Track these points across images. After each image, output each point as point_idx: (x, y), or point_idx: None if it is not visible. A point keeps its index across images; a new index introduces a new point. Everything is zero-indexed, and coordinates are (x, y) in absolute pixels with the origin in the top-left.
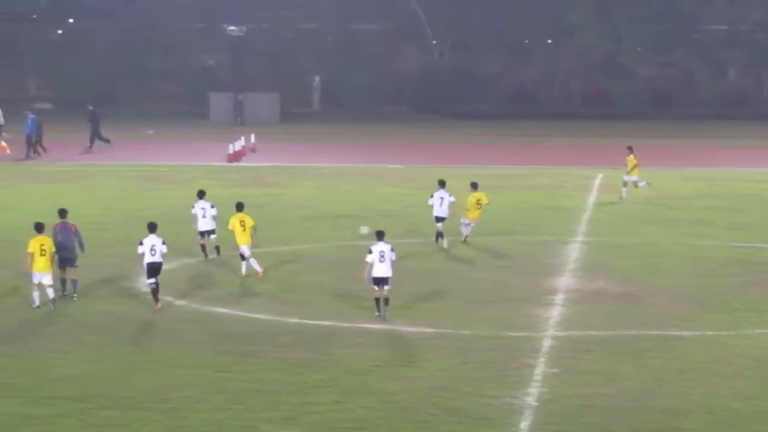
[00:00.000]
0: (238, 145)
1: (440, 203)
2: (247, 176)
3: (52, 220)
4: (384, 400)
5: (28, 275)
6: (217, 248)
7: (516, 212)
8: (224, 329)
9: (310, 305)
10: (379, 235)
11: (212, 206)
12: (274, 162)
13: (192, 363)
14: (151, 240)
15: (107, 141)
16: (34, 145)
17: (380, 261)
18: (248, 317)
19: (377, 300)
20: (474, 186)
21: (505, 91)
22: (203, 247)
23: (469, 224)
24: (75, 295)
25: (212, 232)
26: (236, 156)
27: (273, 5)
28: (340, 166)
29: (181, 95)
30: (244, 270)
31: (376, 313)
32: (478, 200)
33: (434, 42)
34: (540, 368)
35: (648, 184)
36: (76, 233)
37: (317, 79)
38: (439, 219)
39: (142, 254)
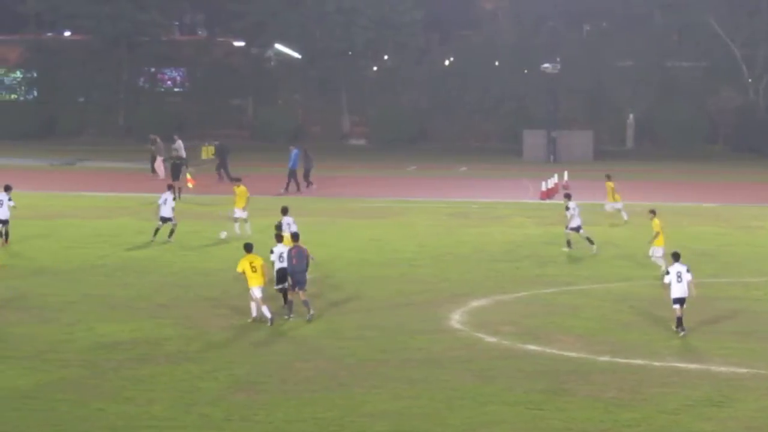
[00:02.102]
0: (551, 182)
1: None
2: (560, 214)
3: (368, 255)
4: None
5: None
6: None
7: None
8: (536, 367)
9: (621, 343)
10: (676, 257)
11: None
12: (585, 200)
13: (504, 400)
14: (280, 249)
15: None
16: (296, 178)
17: (677, 282)
18: (559, 355)
19: (679, 319)
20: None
21: None
22: None
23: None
24: (312, 312)
25: None
26: (549, 194)
27: (588, 43)
28: (654, 204)
29: (495, 132)
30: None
31: (679, 332)
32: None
33: (750, 80)
34: None
35: None
36: (307, 257)
37: (631, 116)
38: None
39: (273, 261)
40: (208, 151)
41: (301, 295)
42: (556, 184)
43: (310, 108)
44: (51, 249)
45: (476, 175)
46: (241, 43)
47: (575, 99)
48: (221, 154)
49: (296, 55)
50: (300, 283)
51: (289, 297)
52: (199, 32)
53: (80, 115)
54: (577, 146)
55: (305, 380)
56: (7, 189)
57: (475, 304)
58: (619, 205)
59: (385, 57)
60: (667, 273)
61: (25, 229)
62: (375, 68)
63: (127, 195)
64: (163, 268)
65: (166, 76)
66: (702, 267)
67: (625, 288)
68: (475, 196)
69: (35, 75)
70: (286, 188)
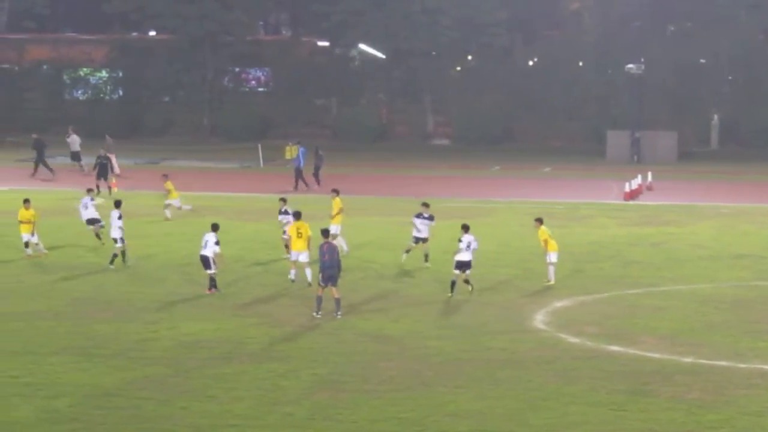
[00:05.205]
0: (635, 183)
1: None
2: (644, 215)
3: (450, 255)
4: None
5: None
6: None
7: None
8: (619, 368)
9: (705, 345)
10: (465, 228)
11: None
12: (671, 201)
13: (587, 401)
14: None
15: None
16: (303, 177)
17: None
18: (643, 356)
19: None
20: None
21: None
22: None
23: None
24: (339, 313)
25: None
26: (633, 194)
27: (673, 43)
28: (740, 205)
29: (578, 132)
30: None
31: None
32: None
33: None
34: None
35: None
36: (338, 253)
37: (716, 117)
38: None
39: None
40: (291, 151)
41: (334, 292)
42: (639, 185)
43: (394, 108)
44: (135, 247)
45: (560, 176)
46: (326, 43)
47: (659, 100)
48: (39, 148)
49: (380, 54)
50: (331, 279)
51: (319, 293)
52: (284, 32)
53: (165, 115)
54: (661, 147)
55: (388, 379)
56: (89, 191)
57: (558, 304)
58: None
59: (469, 57)
60: (460, 241)
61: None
62: (459, 68)
63: (212, 194)
64: (246, 267)
65: (251, 76)
66: None
67: (710, 289)
68: (558, 197)
69: (121, 74)
70: (296, 187)
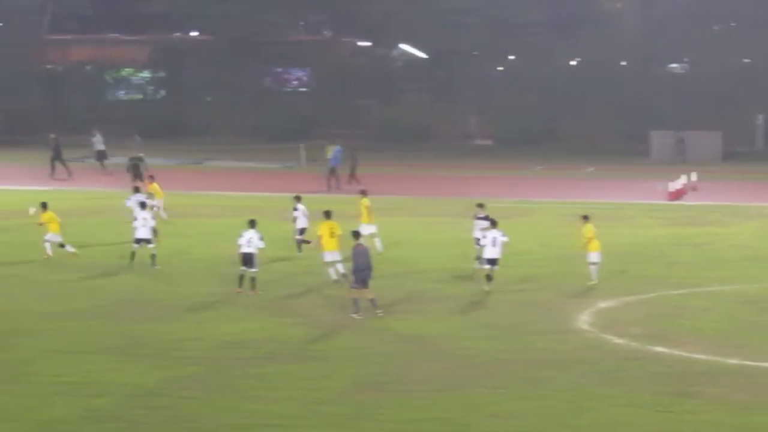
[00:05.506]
0: (679, 183)
1: None
2: (688, 215)
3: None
4: None
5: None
6: None
7: None
8: (664, 369)
9: (750, 346)
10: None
11: None
12: (716, 201)
13: (632, 402)
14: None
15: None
16: (336, 176)
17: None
18: (688, 357)
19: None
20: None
21: None
22: None
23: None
24: (380, 311)
25: None
26: (677, 194)
27: (716, 42)
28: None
29: (622, 132)
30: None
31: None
32: None
33: None
34: None
35: None
36: (369, 255)
37: (760, 117)
38: None
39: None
40: (331, 151)
41: (367, 294)
42: (684, 185)
43: (436, 108)
44: (178, 247)
45: (603, 176)
46: (367, 43)
47: (703, 99)
48: (56, 147)
49: (422, 54)
50: (365, 281)
51: (355, 296)
52: (324, 32)
53: (207, 115)
54: (706, 147)
55: (430, 380)
56: (136, 190)
57: (602, 305)
58: None
59: (511, 57)
60: (485, 237)
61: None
62: (501, 68)
63: (252, 194)
64: (289, 267)
65: (292, 76)
66: None
67: (756, 290)
68: (601, 197)
69: (162, 75)
70: (329, 187)
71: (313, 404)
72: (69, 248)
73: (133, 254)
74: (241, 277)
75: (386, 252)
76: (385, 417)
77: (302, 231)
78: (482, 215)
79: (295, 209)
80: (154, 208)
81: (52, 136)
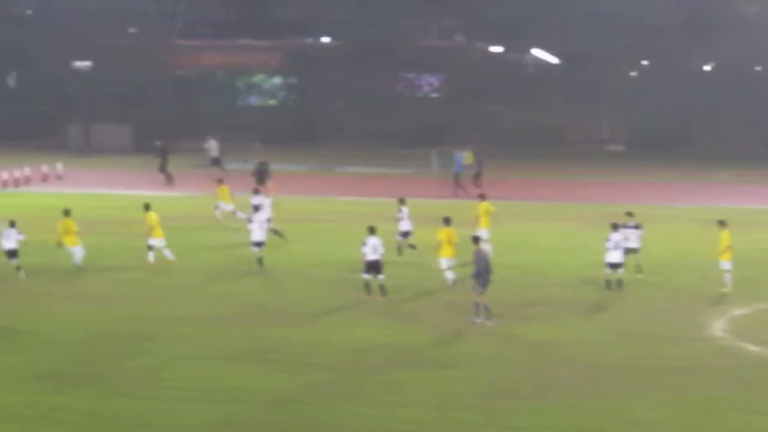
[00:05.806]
0: None
1: None
2: None
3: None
4: None
5: (438, 261)
6: None
7: None
8: None
9: None
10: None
11: None
12: None
13: None
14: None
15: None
16: (460, 182)
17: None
18: None
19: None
20: None
21: None
22: None
23: None
24: (491, 321)
25: None
26: None
27: None
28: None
29: (759, 138)
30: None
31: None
32: None
33: None
34: None
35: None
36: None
37: None
38: None
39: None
40: (468, 157)
41: (484, 300)
42: None
43: (568, 113)
44: (311, 253)
45: (738, 182)
46: (499, 49)
47: None
48: (163, 154)
49: (554, 60)
50: (486, 284)
51: (478, 300)
52: (456, 38)
53: (339, 121)
54: None
55: (562, 386)
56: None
57: (737, 312)
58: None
59: (645, 62)
60: (608, 240)
61: (288, 233)
62: (634, 73)
63: (381, 200)
64: (418, 273)
65: (424, 82)
66: None
67: None
68: (736, 203)
69: (294, 80)
70: (456, 193)
71: (445, 410)
72: (168, 255)
73: (260, 260)
74: (367, 285)
75: (514, 258)
76: (519, 424)
77: (405, 234)
78: (632, 224)
79: (399, 212)
80: (236, 213)
81: (158, 143)
